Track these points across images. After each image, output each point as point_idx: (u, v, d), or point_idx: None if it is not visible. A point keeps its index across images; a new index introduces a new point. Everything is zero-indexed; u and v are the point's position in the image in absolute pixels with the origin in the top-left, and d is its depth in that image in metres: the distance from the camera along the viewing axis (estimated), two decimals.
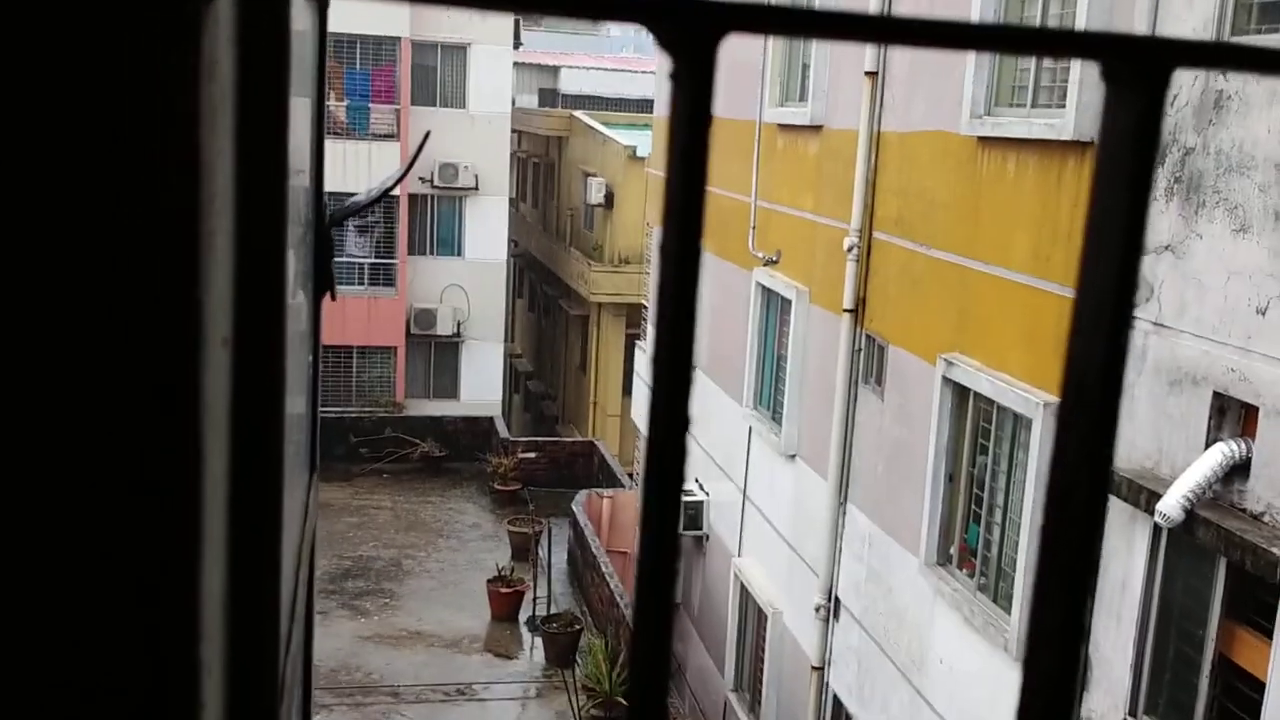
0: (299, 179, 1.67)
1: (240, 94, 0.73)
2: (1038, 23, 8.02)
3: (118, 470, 0.54)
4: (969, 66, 8.55)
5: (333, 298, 1.93)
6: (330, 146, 28.23)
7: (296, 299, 1.65)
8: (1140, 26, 6.70)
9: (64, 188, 0.50)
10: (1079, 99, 7.29)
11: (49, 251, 0.51)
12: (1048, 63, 8.00)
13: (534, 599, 17.12)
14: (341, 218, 2.33)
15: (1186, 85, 6.38)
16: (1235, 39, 6.18)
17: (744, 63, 13.06)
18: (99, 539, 0.55)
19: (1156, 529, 6.46)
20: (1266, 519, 5.82)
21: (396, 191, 24.87)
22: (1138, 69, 0.44)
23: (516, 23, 26.78)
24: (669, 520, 0.43)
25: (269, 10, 0.85)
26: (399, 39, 24.84)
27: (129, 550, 0.55)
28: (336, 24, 23.48)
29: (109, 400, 0.53)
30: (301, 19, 1.63)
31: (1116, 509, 6.82)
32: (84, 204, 0.51)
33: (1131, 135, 0.44)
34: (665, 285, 0.41)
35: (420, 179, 25.01)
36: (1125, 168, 0.44)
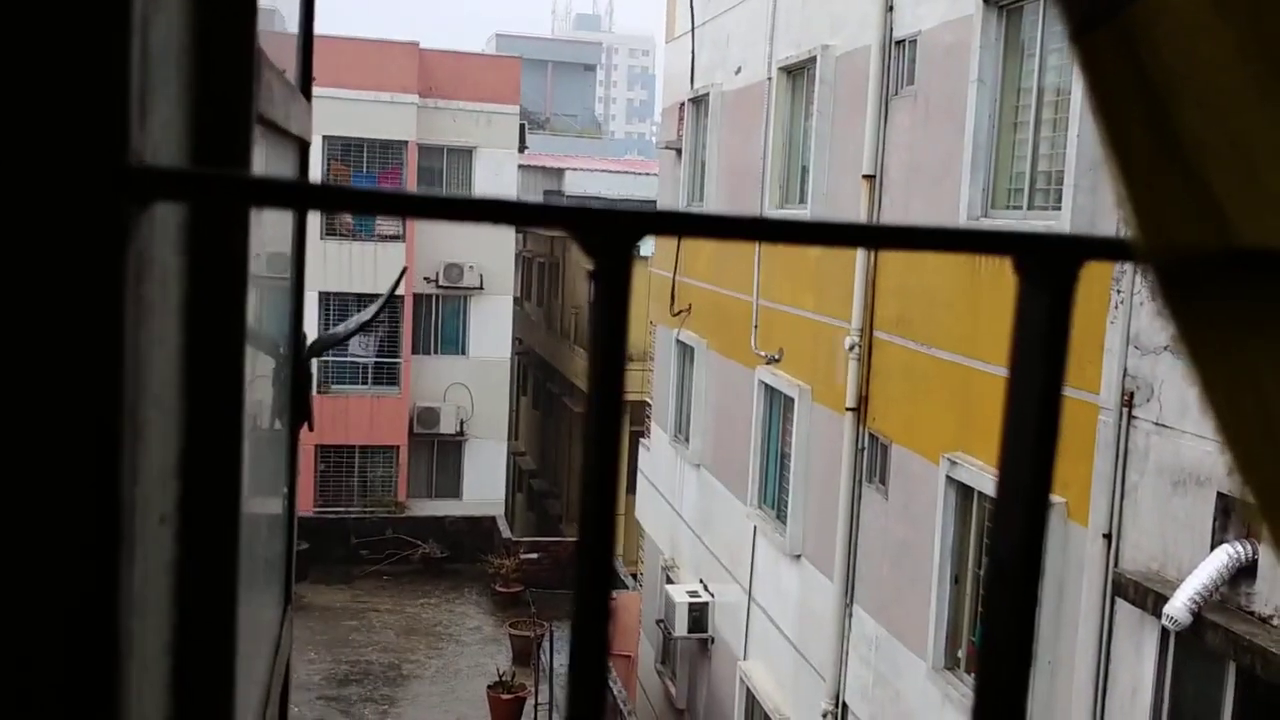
0: (279, 318, 1.70)
1: (191, 286, 0.76)
2: (1030, 139, 8.17)
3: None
4: (965, 169, 8.69)
5: (310, 428, 1.95)
6: (337, 248, 28.02)
7: (275, 428, 1.67)
8: None
9: None
10: (1074, 201, 7.39)
11: None
12: (1043, 165, 8.13)
13: (535, 705, 16.79)
14: (319, 350, 2.36)
15: None
16: None
17: (745, 164, 13.28)
18: None
19: (1164, 633, 6.37)
20: (1275, 622, 5.74)
21: (401, 291, 25.07)
22: (1046, 265, 0.45)
23: (522, 127, 27.28)
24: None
25: (222, 217, 0.88)
26: (406, 143, 25.29)
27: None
28: (345, 128, 23.95)
29: (31, 595, 0.54)
30: (284, 164, 1.68)
31: (1124, 612, 6.74)
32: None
33: (1042, 325, 0.46)
34: (589, 475, 0.44)
35: (425, 279, 25.24)
36: (1038, 355, 0.46)
